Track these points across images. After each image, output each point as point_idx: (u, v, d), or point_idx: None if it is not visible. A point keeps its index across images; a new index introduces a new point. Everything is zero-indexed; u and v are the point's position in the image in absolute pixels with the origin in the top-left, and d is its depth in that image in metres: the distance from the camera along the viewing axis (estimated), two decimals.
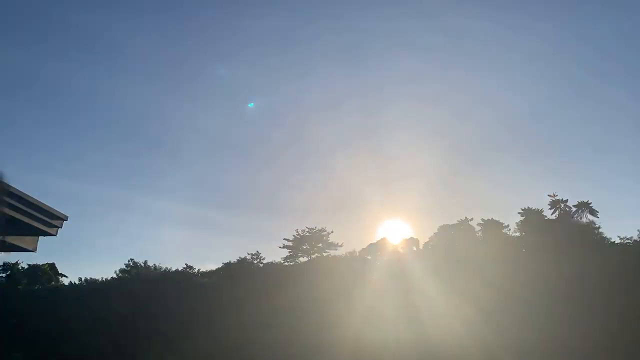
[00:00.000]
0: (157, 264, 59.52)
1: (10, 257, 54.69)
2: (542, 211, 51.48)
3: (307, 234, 58.40)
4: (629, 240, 46.35)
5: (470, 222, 53.05)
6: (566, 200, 51.87)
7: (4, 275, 58.32)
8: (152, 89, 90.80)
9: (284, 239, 58.94)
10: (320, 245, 58.01)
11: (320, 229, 58.32)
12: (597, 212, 50.76)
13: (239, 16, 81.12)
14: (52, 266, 60.19)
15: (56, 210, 7.76)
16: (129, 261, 60.43)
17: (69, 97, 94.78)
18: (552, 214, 51.79)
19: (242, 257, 57.02)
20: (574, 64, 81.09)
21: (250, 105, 71.49)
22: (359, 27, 78.11)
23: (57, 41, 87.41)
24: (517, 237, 50.49)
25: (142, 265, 59.96)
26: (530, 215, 51.01)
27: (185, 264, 58.71)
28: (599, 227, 48.77)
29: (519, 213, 51.65)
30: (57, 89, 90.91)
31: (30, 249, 8.24)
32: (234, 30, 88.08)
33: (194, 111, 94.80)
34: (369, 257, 54.27)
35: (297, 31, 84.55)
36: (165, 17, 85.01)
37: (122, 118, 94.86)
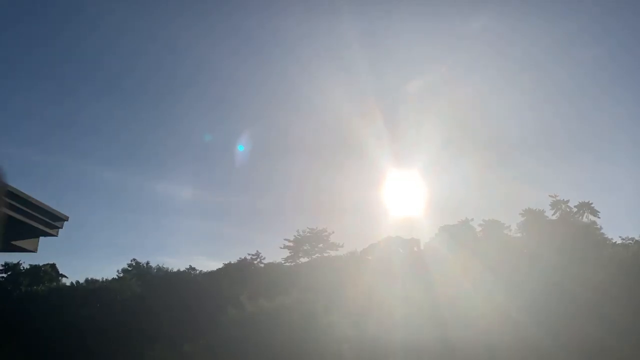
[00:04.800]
0: (159, 264, 59.78)
1: (11, 258, 54.83)
2: (543, 212, 51.48)
3: (308, 234, 58.50)
4: (631, 241, 46.31)
5: (471, 223, 53.06)
6: (567, 201, 51.88)
7: (5, 275, 58.46)
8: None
9: (285, 239, 59.11)
10: (321, 245, 58.11)
11: (321, 229, 58.46)
12: (598, 212, 50.81)
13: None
14: (53, 266, 60.34)
15: (57, 211, 7.76)
16: (131, 261, 60.67)
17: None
18: (553, 214, 51.81)
19: (243, 257, 57.26)
20: (575, 64, 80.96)
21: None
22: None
23: None
24: (519, 237, 50.49)
25: (145, 265, 60.12)
26: (532, 216, 51.00)
27: (189, 265, 59.02)
28: (601, 228, 48.79)
29: (520, 214, 51.69)
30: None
31: (31, 249, 8.24)
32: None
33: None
34: (370, 258, 54.28)
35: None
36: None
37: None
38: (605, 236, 48.02)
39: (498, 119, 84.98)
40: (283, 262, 58.33)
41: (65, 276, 61.70)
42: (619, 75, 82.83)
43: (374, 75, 78.70)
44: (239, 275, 52.72)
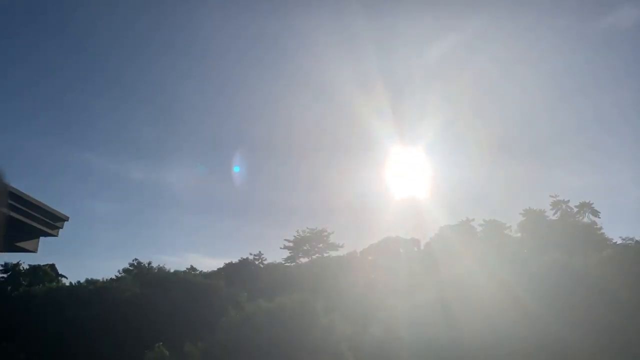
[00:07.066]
0: (160, 265, 59.79)
1: (12, 258, 54.85)
2: (544, 212, 51.50)
3: (308, 234, 58.46)
4: (631, 241, 46.20)
5: (471, 223, 53.06)
6: (568, 201, 51.93)
7: (5, 275, 58.47)
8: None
9: (285, 240, 59.09)
10: (321, 245, 58.09)
11: (321, 229, 58.42)
12: (599, 212, 50.84)
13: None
14: (52, 267, 60.37)
15: (57, 211, 7.75)
16: (133, 261, 60.69)
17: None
18: (553, 214, 51.84)
19: (244, 257, 57.27)
20: (576, 63, 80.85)
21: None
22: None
23: None
24: (519, 237, 50.47)
25: (146, 265, 60.10)
26: (532, 216, 51.02)
27: (190, 265, 59.06)
28: (601, 228, 48.76)
29: (520, 214, 51.71)
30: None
31: (31, 249, 8.23)
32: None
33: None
34: (370, 258, 54.27)
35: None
36: None
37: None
38: (606, 236, 48.04)
39: (499, 117, 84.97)
40: (283, 262, 58.39)
41: (64, 276, 61.79)
42: (619, 74, 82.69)
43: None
44: (240, 275, 52.71)
